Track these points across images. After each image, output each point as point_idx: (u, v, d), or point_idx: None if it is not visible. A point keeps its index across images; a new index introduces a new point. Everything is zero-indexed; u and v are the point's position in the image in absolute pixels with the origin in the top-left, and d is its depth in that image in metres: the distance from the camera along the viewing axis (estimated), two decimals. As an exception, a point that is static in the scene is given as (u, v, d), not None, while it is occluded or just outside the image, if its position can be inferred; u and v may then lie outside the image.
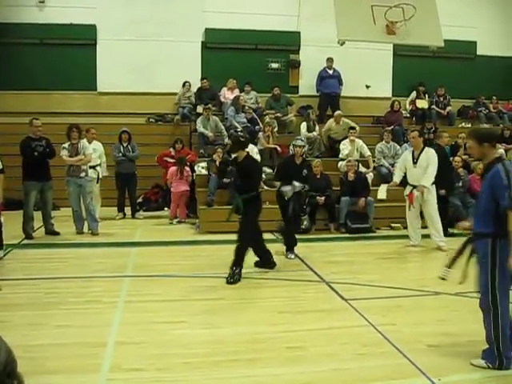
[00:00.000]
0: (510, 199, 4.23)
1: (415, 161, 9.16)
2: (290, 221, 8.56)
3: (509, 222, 4.25)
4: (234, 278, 6.88)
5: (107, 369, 4.36)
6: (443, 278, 4.91)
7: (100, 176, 11.02)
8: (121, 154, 11.56)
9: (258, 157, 11.15)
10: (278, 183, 8.85)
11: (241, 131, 7.90)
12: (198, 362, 4.53)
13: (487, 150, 4.52)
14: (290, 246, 8.54)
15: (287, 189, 8.22)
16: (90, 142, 10.70)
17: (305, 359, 4.64)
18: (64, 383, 4.14)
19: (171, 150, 11.96)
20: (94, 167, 10.81)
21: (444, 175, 9.64)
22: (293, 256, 8.45)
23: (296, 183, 8.23)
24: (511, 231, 4.26)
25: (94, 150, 10.83)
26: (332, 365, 4.52)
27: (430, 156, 9.17)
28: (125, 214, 11.67)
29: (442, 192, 9.84)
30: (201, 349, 4.82)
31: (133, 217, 11.65)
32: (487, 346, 4.52)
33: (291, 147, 9.29)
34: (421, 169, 9.09)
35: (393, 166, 12.17)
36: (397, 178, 9.51)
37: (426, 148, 9.34)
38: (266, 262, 7.74)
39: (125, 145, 11.65)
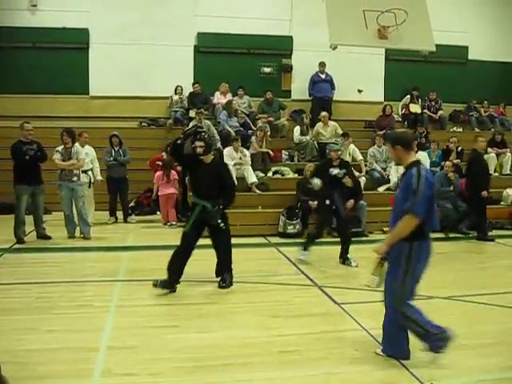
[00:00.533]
0: (412, 204, 4.33)
1: None
2: (323, 223, 8.66)
3: (400, 223, 4.42)
4: (226, 282, 6.86)
5: (99, 374, 4.34)
6: (369, 286, 4.90)
7: (92, 180, 10.97)
8: (112, 159, 11.51)
9: (231, 163, 11.13)
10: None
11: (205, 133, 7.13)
12: (190, 366, 4.51)
13: (400, 153, 4.61)
14: (308, 245, 8.49)
15: (316, 180, 8.22)
16: (82, 146, 10.67)
17: (297, 363, 4.63)
18: (55, 388, 4.11)
19: (163, 154, 11.93)
20: (85, 171, 10.78)
21: (483, 179, 9.88)
22: (303, 257, 8.42)
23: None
24: (396, 233, 4.47)
25: (86, 155, 10.79)
26: (324, 369, 4.51)
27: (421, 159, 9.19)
28: (117, 218, 11.63)
29: (484, 193, 10.18)
30: (193, 353, 4.80)
31: (125, 221, 11.61)
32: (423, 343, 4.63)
33: (327, 151, 8.74)
34: None
35: (385, 170, 12.22)
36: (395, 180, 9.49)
37: (419, 152, 9.39)
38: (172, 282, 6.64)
39: (116, 149, 11.60)
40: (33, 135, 9.67)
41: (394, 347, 4.70)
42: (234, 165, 11.33)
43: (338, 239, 10.28)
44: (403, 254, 4.48)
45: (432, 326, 4.58)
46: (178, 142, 6.71)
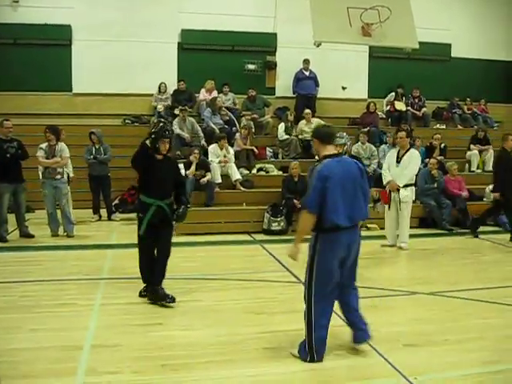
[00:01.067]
0: (306, 197, 4.55)
1: (399, 160, 9.21)
2: None
3: (299, 220, 4.65)
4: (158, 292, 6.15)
5: (83, 372, 4.31)
6: None
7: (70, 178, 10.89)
8: (91, 157, 11.39)
9: (215, 160, 11.24)
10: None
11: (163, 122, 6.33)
12: (174, 364, 4.50)
13: (317, 146, 4.76)
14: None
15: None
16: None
17: (281, 360, 4.64)
18: (38, 387, 4.09)
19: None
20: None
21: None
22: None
23: None
24: (298, 231, 4.63)
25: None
26: (309, 365, 4.52)
27: (413, 157, 9.23)
28: (100, 216, 11.56)
29: (496, 195, 10.20)
30: (177, 351, 4.79)
31: (109, 219, 11.53)
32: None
33: None
34: (403, 169, 9.15)
35: (369, 166, 12.25)
36: (389, 178, 9.37)
37: (412, 149, 9.40)
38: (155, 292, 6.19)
39: (96, 147, 11.46)
40: (12, 132, 9.57)
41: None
42: (219, 162, 11.34)
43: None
44: (311, 245, 4.56)
45: (320, 340, 4.56)
46: (153, 144, 6.00)
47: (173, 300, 5.95)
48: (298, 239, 4.55)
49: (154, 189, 6.07)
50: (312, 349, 4.55)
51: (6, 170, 9.24)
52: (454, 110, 16.00)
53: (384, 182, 9.38)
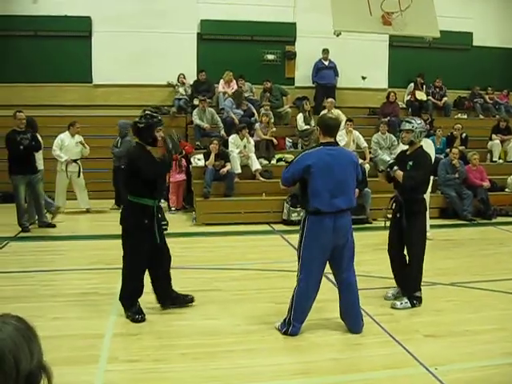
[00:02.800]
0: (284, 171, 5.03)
1: None
2: None
3: None
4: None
5: (105, 360, 4.37)
6: None
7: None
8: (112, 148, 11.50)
9: (235, 150, 11.21)
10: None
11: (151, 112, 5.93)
12: (194, 352, 4.54)
13: (318, 134, 5.03)
14: None
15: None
16: (72, 136, 10.97)
17: (302, 349, 4.66)
18: (62, 375, 4.11)
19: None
20: (75, 161, 10.98)
21: None
22: None
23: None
24: None
25: (77, 144, 11.07)
26: (330, 355, 4.53)
27: (427, 146, 9.14)
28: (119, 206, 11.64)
29: None
30: (198, 340, 4.82)
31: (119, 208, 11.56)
32: None
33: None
34: None
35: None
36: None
37: (424, 139, 9.31)
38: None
39: (117, 139, 11.53)
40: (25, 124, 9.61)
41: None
42: (239, 152, 11.35)
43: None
44: (301, 225, 4.93)
45: (298, 317, 4.89)
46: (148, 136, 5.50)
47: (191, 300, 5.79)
48: None
49: (158, 189, 5.56)
50: (290, 322, 4.89)
51: (19, 161, 9.30)
52: (475, 100, 15.80)
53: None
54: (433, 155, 9.25)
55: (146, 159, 5.33)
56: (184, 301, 5.67)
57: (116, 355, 4.46)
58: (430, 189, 9.10)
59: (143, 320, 5.28)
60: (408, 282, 5.80)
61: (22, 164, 9.33)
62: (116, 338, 4.84)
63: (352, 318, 5.04)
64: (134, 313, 5.31)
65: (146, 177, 5.25)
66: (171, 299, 5.64)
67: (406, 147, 6.14)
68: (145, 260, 5.39)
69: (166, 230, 5.70)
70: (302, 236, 4.86)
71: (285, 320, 4.95)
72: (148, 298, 5.94)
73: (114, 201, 11.62)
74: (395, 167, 5.83)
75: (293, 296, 4.93)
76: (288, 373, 4.22)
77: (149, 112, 5.87)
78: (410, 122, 5.95)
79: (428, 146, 9.12)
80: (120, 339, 4.81)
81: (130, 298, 5.38)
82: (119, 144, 11.41)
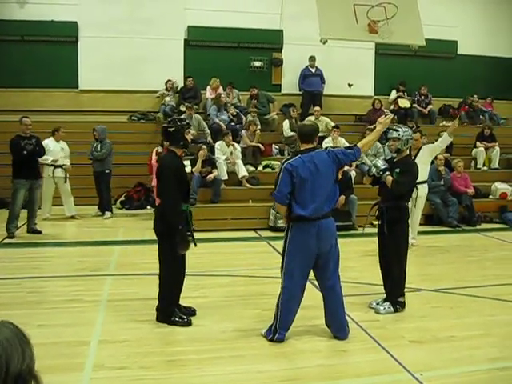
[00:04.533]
0: (275, 189, 4.85)
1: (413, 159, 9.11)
2: None
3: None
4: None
5: (90, 367, 4.35)
6: None
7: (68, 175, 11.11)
8: (90, 153, 11.49)
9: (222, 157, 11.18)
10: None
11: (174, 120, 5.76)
12: (181, 359, 4.53)
13: (298, 143, 5.09)
14: None
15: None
16: (57, 141, 11.06)
17: (289, 356, 4.67)
18: (47, 383, 4.11)
19: (159, 148, 11.86)
20: (61, 166, 10.97)
21: None
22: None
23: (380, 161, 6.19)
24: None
25: (62, 149, 11.12)
26: (316, 361, 4.55)
27: (425, 150, 9.26)
28: (104, 213, 11.57)
29: None
30: (185, 346, 4.82)
31: (102, 214, 11.52)
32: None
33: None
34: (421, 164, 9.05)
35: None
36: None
37: (423, 146, 9.36)
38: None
39: (95, 144, 11.53)
40: (31, 129, 9.68)
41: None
42: (226, 159, 11.36)
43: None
44: (285, 232, 4.95)
45: (283, 325, 4.90)
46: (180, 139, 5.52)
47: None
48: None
49: (185, 191, 5.57)
50: (276, 330, 4.90)
51: (22, 166, 9.43)
52: (463, 108, 15.93)
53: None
54: (428, 160, 9.34)
55: (175, 173, 5.32)
56: (186, 312, 5.58)
57: (102, 362, 4.44)
58: (425, 195, 9.20)
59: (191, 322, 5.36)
60: (390, 287, 5.84)
61: (25, 169, 9.44)
62: (102, 345, 4.82)
63: (337, 325, 5.06)
64: (181, 317, 5.37)
65: (162, 189, 5.38)
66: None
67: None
68: (181, 266, 5.51)
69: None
70: (286, 243, 4.90)
71: (271, 327, 4.97)
72: (133, 304, 5.94)
73: (97, 206, 11.59)
74: (387, 172, 5.88)
75: (278, 304, 4.95)
76: (275, 379, 4.22)
77: (175, 117, 6.10)
78: (397, 130, 5.98)
79: (426, 151, 9.21)
80: (106, 346, 4.79)
81: (171, 305, 5.43)
82: (99, 148, 11.40)
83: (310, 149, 4.89)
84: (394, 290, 5.82)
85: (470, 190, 11.56)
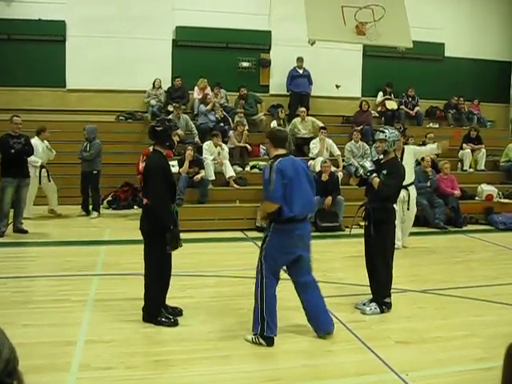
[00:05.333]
0: (267, 192, 4.83)
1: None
2: None
3: (263, 204, 5.13)
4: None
5: (76, 367, 4.33)
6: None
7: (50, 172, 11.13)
8: (80, 153, 11.45)
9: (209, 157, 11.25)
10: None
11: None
12: (168, 359, 4.53)
13: (269, 146, 5.13)
14: None
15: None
16: (42, 141, 11.06)
17: (275, 356, 4.68)
18: (33, 383, 4.08)
19: (150, 148, 11.81)
20: (44, 166, 10.98)
21: None
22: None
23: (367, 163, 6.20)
24: (261, 209, 5.31)
25: (46, 149, 11.17)
26: (302, 361, 4.56)
27: (410, 150, 9.23)
28: (88, 212, 11.52)
29: None
30: (172, 347, 4.82)
31: (87, 214, 11.49)
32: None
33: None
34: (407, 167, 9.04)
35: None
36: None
37: (405, 147, 9.31)
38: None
39: (85, 144, 11.49)
40: (3, 128, 9.66)
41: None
42: (213, 159, 11.36)
43: (316, 233, 10.42)
44: (266, 233, 5.03)
45: (270, 319, 4.88)
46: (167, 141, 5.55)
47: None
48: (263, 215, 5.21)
49: (172, 192, 5.55)
50: (264, 337, 4.83)
51: (10, 165, 9.40)
52: (449, 110, 16.03)
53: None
54: (412, 162, 9.30)
55: (162, 173, 5.33)
56: (173, 313, 5.56)
57: (88, 362, 4.42)
58: (415, 197, 9.20)
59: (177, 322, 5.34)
60: (376, 288, 5.87)
61: (13, 167, 9.41)
62: (88, 345, 4.80)
63: (321, 318, 5.12)
64: (167, 317, 5.36)
65: (151, 189, 5.32)
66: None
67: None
68: (167, 266, 5.48)
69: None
70: (266, 243, 4.98)
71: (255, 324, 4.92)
72: (120, 304, 5.91)
73: (80, 206, 11.55)
74: (374, 174, 5.92)
75: (262, 304, 4.90)
76: (261, 379, 4.23)
77: (164, 117, 6.06)
78: (383, 132, 6.01)
79: (407, 152, 9.20)
80: (92, 346, 4.77)
81: (157, 305, 5.41)
82: (88, 148, 11.36)
83: (285, 154, 5.01)
84: (380, 291, 5.85)
85: (457, 192, 11.62)
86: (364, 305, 5.91)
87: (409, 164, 8.90)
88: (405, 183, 8.91)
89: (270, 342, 4.83)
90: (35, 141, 10.69)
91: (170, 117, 12.72)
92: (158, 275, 5.39)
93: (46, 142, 11.20)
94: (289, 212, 4.80)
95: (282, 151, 4.99)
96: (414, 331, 5.29)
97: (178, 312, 5.63)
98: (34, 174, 10.66)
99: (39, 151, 10.72)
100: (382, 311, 5.79)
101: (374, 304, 5.83)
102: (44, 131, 11.05)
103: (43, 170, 10.86)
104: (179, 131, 12.48)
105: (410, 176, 8.79)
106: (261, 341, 4.83)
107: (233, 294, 6.47)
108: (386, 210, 5.88)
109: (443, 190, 11.52)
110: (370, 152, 12.69)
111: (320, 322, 5.10)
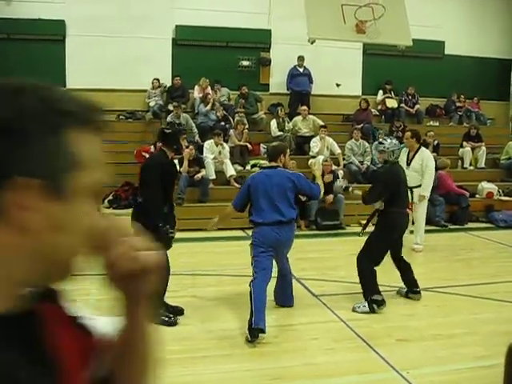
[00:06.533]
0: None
1: (409, 162, 8.98)
2: None
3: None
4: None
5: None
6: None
7: None
8: None
9: (210, 156, 11.31)
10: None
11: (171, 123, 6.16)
12: (169, 358, 4.46)
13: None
14: None
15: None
16: None
17: (276, 355, 4.68)
18: None
19: (151, 147, 11.81)
20: None
21: None
22: None
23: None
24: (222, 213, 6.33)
25: None
26: (303, 360, 4.57)
27: (424, 158, 8.97)
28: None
29: None
30: (171, 346, 4.80)
31: None
32: None
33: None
34: (414, 171, 8.89)
35: (362, 163, 12.35)
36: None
37: (422, 149, 9.16)
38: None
39: None
40: None
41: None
42: (214, 158, 11.37)
43: (317, 231, 10.44)
44: (252, 236, 5.66)
45: (259, 311, 5.06)
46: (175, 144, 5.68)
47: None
48: (220, 219, 6.46)
49: (170, 195, 5.70)
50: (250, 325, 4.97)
51: None
52: (452, 108, 16.03)
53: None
54: (431, 168, 9.16)
55: (160, 173, 5.38)
56: (173, 311, 5.59)
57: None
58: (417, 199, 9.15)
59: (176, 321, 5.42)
60: (362, 286, 5.92)
61: None
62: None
63: (285, 296, 5.89)
64: (167, 316, 5.39)
65: (145, 187, 5.49)
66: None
67: None
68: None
69: (173, 237, 5.75)
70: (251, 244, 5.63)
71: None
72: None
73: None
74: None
75: (251, 297, 5.17)
76: (262, 378, 4.24)
77: (174, 121, 6.40)
78: (382, 143, 6.32)
79: (427, 156, 9.10)
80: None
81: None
82: None
83: (272, 166, 5.68)
84: (365, 288, 5.85)
85: (467, 192, 11.74)
86: (358, 303, 5.92)
87: (416, 167, 8.89)
88: (410, 185, 8.96)
89: (254, 334, 4.86)
90: None
91: (170, 116, 12.77)
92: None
93: None
94: (256, 217, 5.58)
95: (269, 164, 5.79)
96: (414, 329, 5.30)
97: (179, 311, 5.64)
98: None
99: None
100: (371, 310, 5.75)
101: (365, 303, 5.83)
102: None
103: None
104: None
105: (415, 178, 8.81)
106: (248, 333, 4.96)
107: (234, 292, 6.47)
108: (387, 213, 5.94)
109: (453, 189, 11.46)
110: (371, 150, 12.70)
111: (281, 300, 5.90)
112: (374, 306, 5.77)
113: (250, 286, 5.30)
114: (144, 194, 5.47)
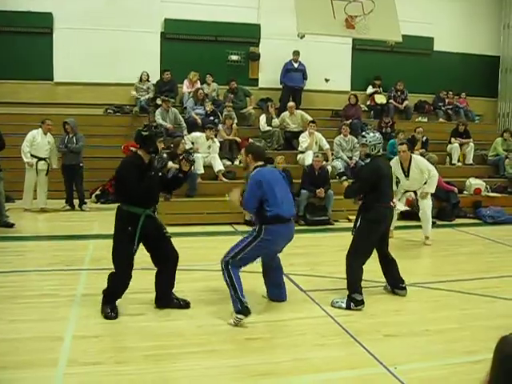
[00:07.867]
0: (245, 199, 5.47)
1: (406, 174, 9.10)
2: None
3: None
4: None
5: (64, 363, 4.29)
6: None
7: (50, 168, 11.17)
8: (63, 146, 11.36)
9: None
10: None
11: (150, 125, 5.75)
12: (157, 354, 4.50)
13: (249, 160, 5.64)
14: None
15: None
16: (45, 134, 10.88)
17: (264, 350, 4.66)
18: (20, 378, 4.06)
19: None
20: (44, 159, 11.05)
21: None
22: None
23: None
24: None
25: (48, 143, 11.17)
26: (291, 355, 4.55)
27: (419, 163, 9.11)
28: (73, 207, 11.46)
29: None
30: (160, 341, 4.79)
31: (80, 208, 11.45)
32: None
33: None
34: (414, 179, 9.11)
35: (351, 158, 12.33)
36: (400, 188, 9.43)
37: (413, 156, 9.20)
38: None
39: (70, 136, 11.41)
40: None
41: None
42: (203, 152, 11.33)
43: (305, 227, 10.43)
44: (255, 231, 5.44)
45: (242, 291, 5.32)
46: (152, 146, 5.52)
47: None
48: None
49: (147, 196, 5.59)
50: (242, 302, 5.21)
51: None
52: (439, 104, 16.08)
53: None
54: (433, 169, 9.27)
55: (135, 174, 5.37)
56: (179, 305, 5.69)
57: (75, 358, 4.38)
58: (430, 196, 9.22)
59: (114, 317, 5.30)
60: (346, 281, 5.90)
61: None
62: (76, 340, 4.76)
63: (279, 290, 5.93)
64: (111, 309, 5.37)
65: (118, 189, 5.60)
66: (167, 301, 5.71)
67: None
68: (128, 262, 5.41)
69: (169, 237, 5.83)
70: (254, 240, 5.41)
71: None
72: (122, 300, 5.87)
73: (64, 200, 11.48)
74: (344, 177, 6.74)
75: (233, 283, 5.36)
76: (252, 373, 4.22)
77: (151, 124, 6.34)
78: (364, 137, 6.25)
79: (420, 161, 9.23)
80: (80, 342, 4.73)
81: (108, 295, 5.47)
82: (75, 140, 11.30)
83: (263, 164, 5.60)
84: (349, 285, 5.84)
85: (456, 189, 11.80)
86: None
87: (416, 176, 9.10)
88: (413, 189, 9.07)
89: (248, 311, 5.18)
90: (37, 133, 10.70)
91: (159, 110, 12.69)
92: (121, 270, 5.42)
93: (49, 136, 11.18)
94: (277, 212, 5.33)
95: (260, 163, 5.59)
96: (403, 325, 5.30)
97: (185, 304, 5.72)
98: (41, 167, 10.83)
99: (38, 142, 10.70)
100: (347, 307, 5.72)
101: (344, 299, 5.80)
102: (43, 123, 11.09)
103: (43, 162, 10.83)
104: (168, 125, 12.49)
105: (417, 183, 9.17)
106: (240, 317, 5.14)
107: (221, 288, 6.42)
108: (370, 208, 5.91)
109: (443, 186, 11.50)
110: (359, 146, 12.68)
111: (275, 294, 5.97)
112: (352, 304, 5.73)
113: (228, 268, 5.45)
114: (117, 196, 5.67)
